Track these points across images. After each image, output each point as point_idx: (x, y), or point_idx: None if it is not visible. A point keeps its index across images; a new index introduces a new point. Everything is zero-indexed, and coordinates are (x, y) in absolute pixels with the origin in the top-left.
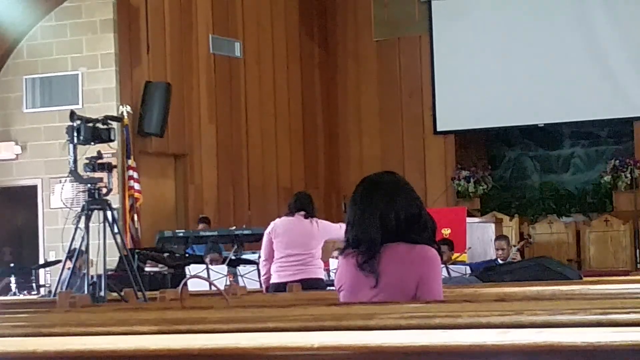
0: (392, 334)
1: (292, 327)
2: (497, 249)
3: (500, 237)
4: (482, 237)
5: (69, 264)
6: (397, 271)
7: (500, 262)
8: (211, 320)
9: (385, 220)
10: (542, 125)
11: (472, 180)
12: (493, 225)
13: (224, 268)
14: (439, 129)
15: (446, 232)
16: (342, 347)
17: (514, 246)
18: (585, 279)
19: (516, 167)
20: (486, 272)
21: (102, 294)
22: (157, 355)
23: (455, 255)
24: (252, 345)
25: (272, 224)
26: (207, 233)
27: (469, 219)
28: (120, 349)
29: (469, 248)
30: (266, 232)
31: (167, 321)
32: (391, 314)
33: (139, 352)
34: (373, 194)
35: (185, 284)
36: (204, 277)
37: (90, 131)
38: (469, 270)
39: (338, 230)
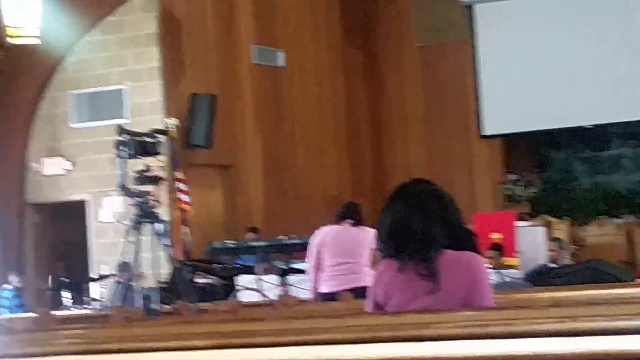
0: (449, 345)
1: (347, 338)
2: (548, 250)
3: (553, 238)
4: (532, 240)
5: (121, 278)
6: (448, 279)
7: (551, 264)
8: (266, 333)
9: (438, 227)
10: (590, 126)
11: (520, 183)
12: (543, 229)
13: (274, 278)
14: (485, 133)
15: (496, 236)
16: (400, 359)
17: (565, 249)
18: (638, 280)
19: (565, 169)
20: (538, 276)
21: (155, 307)
22: None
23: (506, 259)
24: (307, 358)
25: (318, 233)
26: (257, 243)
27: (518, 223)
28: None
29: (520, 252)
30: (314, 241)
31: (222, 334)
32: (446, 322)
33: None
34: (422, 200)
35: (238, 296)
36: (255, 288)
37: (138, 145)
38: (520, 275)
39: None
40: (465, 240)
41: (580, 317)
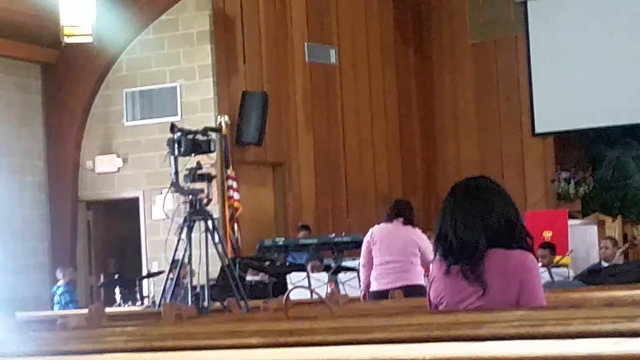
0: (504, 345)
1: (399, 337)
2: (601, 248)
3: (605, 237)
4: (584, 239)
5: (172, 275)
6: (499, 278)
7: (604, 262)
8: (318, 331)
9: (487, 226)
10: None
11: (572, 181)
12: (595, 227)
13: (324, 276)
14: (537, 130)
15: (547, 235)
16: (455, 359)
17: (619, 248)
18: None
19: (617, 167)
20: (589, 275)
21: (205, 304)
22: None
23: (558, 258)
24: (362, 358)
25: (370, 230)
26: (307, 241)
27: (570, 221)
28: None
29: (572, 251)
30: (365, 239)
31: (274, 333)
32: (500, 322)
33: None
34: (473, 199)
35: (289, 293)
36: (306, 286)
37: (190, 143)
38: (571, 274)
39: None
40: (519, 238)
41: (636, 318)
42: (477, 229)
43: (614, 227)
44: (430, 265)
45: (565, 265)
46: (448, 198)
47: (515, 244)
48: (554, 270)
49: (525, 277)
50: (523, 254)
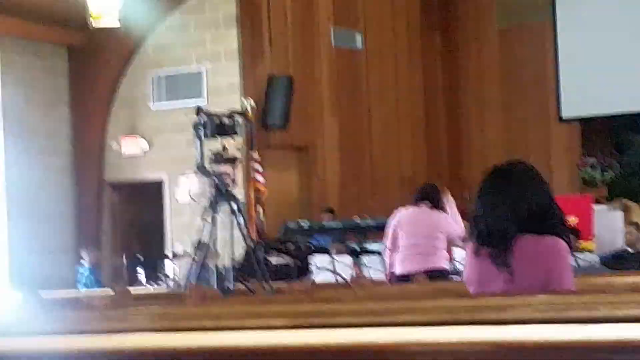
0: (530, 329)
1: (425, 320)
2: (625, 234)
3: (631, 222)
4: (609, 224)
5: (196, 256)
6: (527, 264)
7: (629, 248)
8: (344, 313)
9: (517, 211)
10: None
11: (598, 167)
12: (621, 213)
13: (348, 259)
14: (564, 116)
15: (573, 220)
16: (480, 343)
17: None
18: None
19: None
20: (614, 260)
21: (230, 286)
22: (298, 351)
23: (582, 243)
24: (390, 340)
25: (396, 213)
26: (331, 224)
27: (596, 207)
28: (259, 345)
29: (596, 236)
30: (391, 222)
31: (300, 314)
32: (525, 306)
33: (278, 348)
34: (505, 183)
35: (313, 277)
36: (331, 269)
37: (216, 126)
38: (596, 259)
39: (458, 232)
40: (553, 225)
41: None
42: (506, 214)
43: (639, 213)
44: (454, 248)
45: (590, 251)
46: (483, 181)
47: (548, 230)
48: (578, 255)
49: (554, 263)
50: (553, 240)
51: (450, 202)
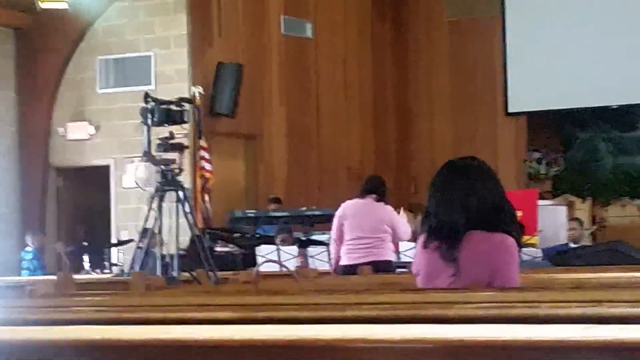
0: (474, 328)
1: (369, 315)
2: (569, 229)
3: (573, 219)
4: (553, 220)
5: (142, 244)
6: (474, 260)
7: (572, 243)
8: (288, 307)
9: (468, 206)
10: (616, 106)
11: (543, 162)
12: (565, 208)
13: (294, 249)
14: (510, 110)
15: (518, 214)
16: (424, 341)
17: (587, 230)
18: None
19: (589, 149)
20: (558, 255)
21: (175, 274)
22: (241, 345)
23: (526, 238)
24: (334, 337)
25: (342, 206)
26: (278, 214)
27: (540, 202)
28: (203, 339)
29: (540, 231)
30: (337, 214)
31: (244, 308)
32: (469, 302)
33: (224, 342)
34: (456, 179)
35: (259, 267)
36: (276, 260)
37: (164, 113)
38: (540, 254)
39: (402, 234)
40: (504, 222)
41: (604, 302)
42: (457, 210)
43: (583, 209)
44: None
45: (534, 245)
46: (436, 176)
47: (499, 227)
48: (522, 250)
49: (501, 260)
50: (502, 237)
51: (402, 217)
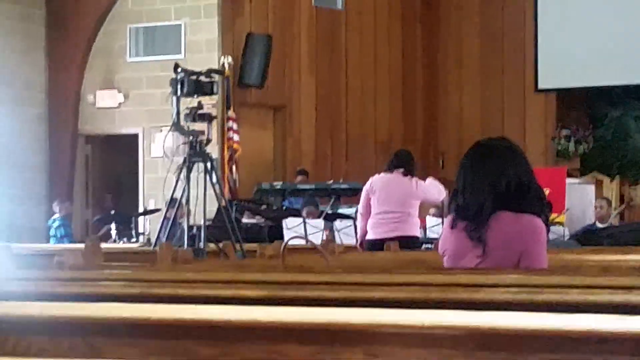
0: (505, 316)
1: (397, 297)
2: (595, 207)
3: (601, 197)
4: (581, 198)
5: (169, 214)
6: (502, 240)
7: (598, 222)
8: (315, 287)
9: (496, 187)
10: None
11: (572, 139)
12: (593, 187)
13: (320, 222)
14: (540, 86)
15: (545, 192)
16: (454, 328)
17: (615, 209)
18: None
19: (618, 126)
20: (584, 234)
21: (201, 246)
22: (266, 328)
23: (553, 216)
24: (364, 321)
25: (370, 180)
26: (305, 186)
27: (568, 180)
28: (230, 320)
29: (567, 209)
30: (364, 188)
31: (271, 285)
32: (497, 286)
33: (252, 324)
34: (485, 159)
35: (286, 244)
36: (302, 236)
37: (193, 84)
38: (567, 232)
39: (436, 194)
40: (532, 203)
41: (633, 289)
42: (484, 190)
43: (611, 188)
44: (427, 217)
45: (561, 224)
46: (465, 157)
47: (527, 208)
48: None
49: (530, 242)
50: (531, 219)
51: (431, 180)
